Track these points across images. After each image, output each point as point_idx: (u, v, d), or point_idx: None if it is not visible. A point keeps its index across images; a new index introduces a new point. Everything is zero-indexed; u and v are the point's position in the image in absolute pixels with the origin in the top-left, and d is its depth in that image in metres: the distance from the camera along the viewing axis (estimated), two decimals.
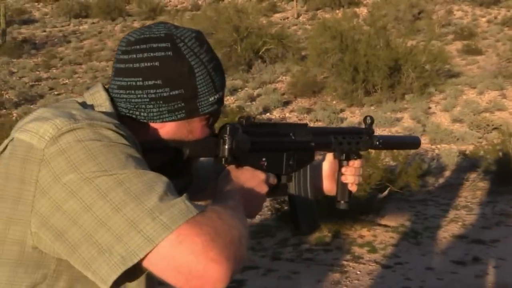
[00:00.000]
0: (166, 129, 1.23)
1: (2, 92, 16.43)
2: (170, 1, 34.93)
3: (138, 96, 1.20)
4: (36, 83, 19.18)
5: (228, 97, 15.63)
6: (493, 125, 11.46)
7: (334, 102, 14.64)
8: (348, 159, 1.52)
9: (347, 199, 1.53)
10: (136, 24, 29.40)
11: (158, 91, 1.19)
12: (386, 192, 6.67)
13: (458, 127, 11.97)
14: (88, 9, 31.20)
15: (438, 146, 10.76)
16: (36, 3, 35.81)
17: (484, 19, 25.40)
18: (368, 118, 1.62)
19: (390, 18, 22.23)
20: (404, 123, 12.39)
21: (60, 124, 1.03)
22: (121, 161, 1.01)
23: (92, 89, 1.26)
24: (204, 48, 1.24)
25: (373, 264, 5.35)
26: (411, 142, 1.86)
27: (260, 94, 15.73)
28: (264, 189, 1.32)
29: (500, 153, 8.02)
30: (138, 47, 1.20)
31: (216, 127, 1.32)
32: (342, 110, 13.99)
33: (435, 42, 17.86)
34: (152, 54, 1.19)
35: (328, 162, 1.59)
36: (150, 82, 1.19)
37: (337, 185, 1.54)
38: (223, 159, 1.26)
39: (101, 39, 25.76)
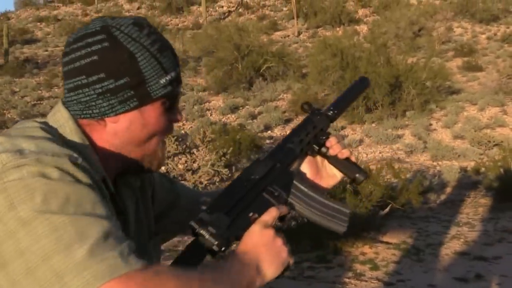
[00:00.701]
0: (121, 125, 1.21)
1: (4, 111, 16.50)
2: (171, 20, 35.16)
3: (86, 94, 1.19)
4: (38, 102, 19.26)
5: (229, 115, 15.67)
6: (494, 142, 11.46)
7: None
8: (321, 145, 1.45)
9: (358, 170, 1.45)
10: None
11: (103, 84, 1.17)
12: (387, 209, 6.66)
13: (459, 144, 11.96)
14: None
15: (440, 162, 10.75)
16: (39, 23, 36.09)
17: (484, 36, 25.55)
18: (304, 105, 1.53)
19: (390, 36, 22.36)
20: (405, 140, 12.39)
21: (5, 159, 1.02)
22: (60, 204, 0.99)
23: (54, 109, 1.24)
24: (144, 32, 1.21)
25: (375, 281, 5.32)
26: (359, 85, 1.69)
27: (261, 112, 15.76)
28: (277, 248, 1.20)
29: (502, 170, 8.02)
30: (75, 46, 1.19)
31: None
32: (343, 128, 14.00)
33: (436, 59, 17.95)
34: (89, 49, 1.18)
35: (305, 164, 1.49)
36: (94, 78, 1.17)
37: (339, 169, 1.46)
38: (215, 248, 1.18)
39: None
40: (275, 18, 32.94)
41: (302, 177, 1.48)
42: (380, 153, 11.79)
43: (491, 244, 6.24)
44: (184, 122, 15.32)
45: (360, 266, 5.66)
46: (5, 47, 25.19)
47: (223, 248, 1.18)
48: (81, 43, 1.18)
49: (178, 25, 34.01)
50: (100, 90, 1.17)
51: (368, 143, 12.60)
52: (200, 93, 18.49)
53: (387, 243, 6.24)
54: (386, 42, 18.64)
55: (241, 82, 18.39)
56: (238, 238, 1.21)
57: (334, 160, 1.45)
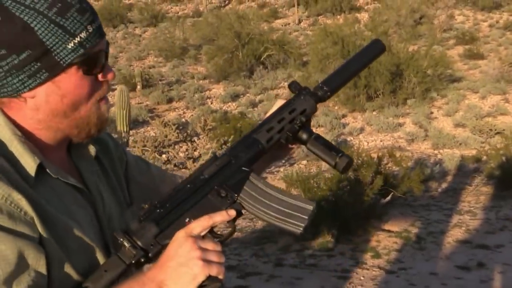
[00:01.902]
0: (39, 99, 1.15)
1: None
2: (171, 8, 35.02)
3: None
4: None
5: (229, 103, 15.64)
6: (495, 130, 11.43)
7: (336, 107, 14.63)
8: (296, 131, 1.33)
9: (338, 153, 1.32)
10: (138, 31, 29.47)
11: (8, 61, 1.11)
12: (389, 197, 6.64)
13: (461, 132, 11.94)
14: None
15: (441, 151, 10.74)
16: None
17: (485, 24, 25.43)
18: (291, 85, 1.38)
19: (391, 23, 22.27)
20: (406, 128, 12.37)
21: None
22: None
23: None
24: None
25: (377, 269, 5.32)
26: (369, 51, 1.46)
27: (262, 100, 15.73)
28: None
29: (503, 158, 8.00)
30: None
31: None
32: (344, 116, 13.98)
33: (437, 47, 17.89)
34: None
35: None
36: None
37: (318, 155, 1.33)
38: (132, 260, 1.13)
39: None
40: (276, 6, 32.80)
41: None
42: (381, 141, 11.77)
43: (493, 232, 6.23)
44: (184, 110, 15.29)
45: (362, 254, 5.66)
46: None
47: (142, 260, 1.13)
48: None
49: (178, 13, 33.88)
50: (6, 68, 1.12)
51: (369, 131, 12.58)
52: (201, 81, 18.45)
53: (388, 231, 6.24)
54: (387, 30, 18.56)
55: (242, 70, 18.34)
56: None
57: (312, 145, 1.33)
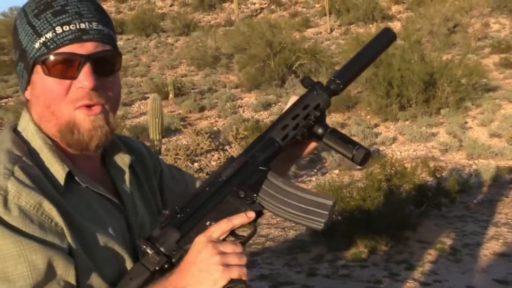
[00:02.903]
0: (30, 101, 1.20)
1: None
2: (203, 17, 35.29)
3: None
4: None
5: (261, 112, 15.66)
6: None
7: (368, 117, 14.53)
8: (311, 126, 1.32)
9: (355, 145, 1.30)
10: (170, 40, 29.76)
11: (16, 62, 1.21)
12: (423, 208, 6.56)
13: (497, 142, 11.72)
14: (123, 25, 31.70)
15: (476, 161, 10.56)
16: None
17: None
18: (304, 80, 1.38)
19: (424, 32, 22.02)
20: (440, 138, 12.21)
21: None
22: None
23: (23, 111, 1.23)
24: (37, 0, 1.16)
25: (411, 281, 5.25)
26: (378, 41, 1.43)
27: None
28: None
29: None
30: None
31: None
32: (376, 125, 13.87)
33: (471, 55, 17.62)
34: None
35: None
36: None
37: (335, 149, 1.32)
38: (156, 266, 1.13)
39: (135, 55, 26.12)
40: (308, 15, 32.78)
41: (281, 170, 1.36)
42: (414, 151, 11.64)
43: None
44: (216, 118, 15.36)
45: (395, 266, 5.60)
46: None
47: (166, 266, 1.13)
48: None
49: (210, 22, 34.11)
50: (16, 70, 1.22)
51: (402, 141, 12.46)
52: (233, 90, 18.51)
53: (422, 242, 6.15)
54: (420, 39, 18.36)
55: (274, 79, 18.34)
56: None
57: (328, 139, 1.32)
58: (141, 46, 28.46)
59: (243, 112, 15.86)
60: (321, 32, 29.34)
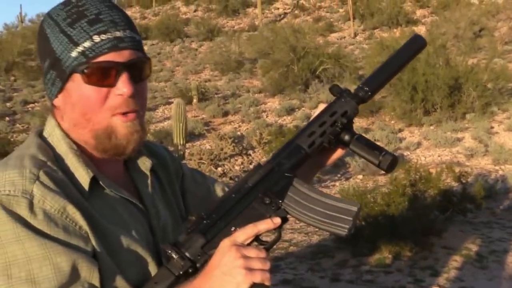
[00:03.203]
0: (62, 108, 1.21)
1: None
2: (227, 22, 35.43)
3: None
4: None
5: (285, 117, 15.65)
6: None
7: (392, 122, 14.44)
8: (337, 133, 1.33)
9: (381, 152, 1.31)
10: (194, 45, 29.94)
11: (43, 71, 1.21)
12: (448, 214, 6.50)
13: None
14: (147, 31, 31.98)
15: (502, 166, 10.42)
16: None
17: None
18: (333, 88, 1.38)
19: (449, 36, 21.83)
20: (465, 143, 12.08)
21: None
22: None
23: (48, 117, 1.26)
24: (66, 8, 1.17)
25: (436, 287, 5.20)
26: (408, 48, 1.42)
27: None
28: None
29: None
30: None
31: None
32: (400, 130, 13.78)
33: (498, 60, 17.43)
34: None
35: None
36: (41, 65, 1.22)
37: (361, 156, 1.33)
38: (180, 271, 1.15)
39: (160, 60, 26.32)
40: (331, 19, 32.72)
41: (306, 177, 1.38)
42: (439, 156, 11.53)
43: None
44: (240, 123, 15.40)
45: (420, 272, 5.55)
46: None
47: (190, 270, 1.15)
48: None
49: (234, 27, 34.24)
50: (44, 77, 1.22)
51: (426, 146, 12.35)
52: (256, 94, 18.55)
53: (447, 248, 6.09)
54: (445, 43, 18.20)
55: (297, 83, 18.33)
56: None
57: (355, 146, 1.33)
58: (165, 51, 28.68)
59: (267, 117, 15.88)
60: (344, 37, 29.25)
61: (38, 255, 1.04)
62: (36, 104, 18.00)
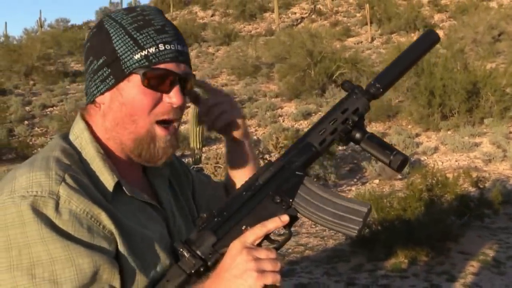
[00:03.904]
0: (106, 105, 1.24)
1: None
2: (244, 27, 35.52)
3: (87, 79, 1.26)
4: None
5: (301, 121, 15.65)
6: None
7: (409, 126, 14.38)
8: (348, 131, 1.32)
9: (392, 151, 1.30)
10: (211, 50, 30.04)
11: (92, 67, 1.24)
12: (465, 219, 6.46)
13: None
14: None
15: None
16: None
17: None
18: (345, 84, 1.38)
19: (467, 41, 21.70)
20: (483, 148, 11.99)
21: (0, 198, 1.11)
22: (20, 260, 1.07)
23: (75, 120, 1.30)
24: (131, 14, 1.23)
25: None
26: (421, 43, 1.41)
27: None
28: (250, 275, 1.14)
29: None
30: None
31: None
32: (417, 135, 13.71)
33: None
34: (87, 38, 1.27)
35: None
36: (88, 62, 1.25)
37: (372, 154, 1.32)
38: (192, 269, 1.17)
39: None
40: (348, 24, 32.65)
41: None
42: (456, 161, 11.45)
43: None
44: (256, 127, 15.43)
45: (436, 277, 5.52)
46: None
47: (201, 269, 1.17)
48: (86, 35, 1.29)
49: (251, 31, 34.30)
50: (91, 73, 1.25)
51: (443, 151, 12.27)
52: (273, 99, 18.56)
53: (464, 253, 6.05)
54: (463, 48, 18.10)
55: (314, 88, 18.32)
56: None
57: (365, 144, 1.32)
58: None
59: (283, 121, 15.89)
60: (362, 41, 29.17)
61: (61, 256, 1.07)
62: (54, 108, 18.19)
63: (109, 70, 1.21)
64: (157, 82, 1.21)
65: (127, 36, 1.21)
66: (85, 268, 1.09)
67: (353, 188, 9.74)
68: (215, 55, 28.59)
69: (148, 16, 1.24)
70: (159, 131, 1.24)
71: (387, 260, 5.87)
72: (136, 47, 1.20)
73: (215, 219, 1.21)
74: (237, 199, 1.24)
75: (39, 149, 13.25)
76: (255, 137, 14.00)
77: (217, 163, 10.27)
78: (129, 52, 1.20)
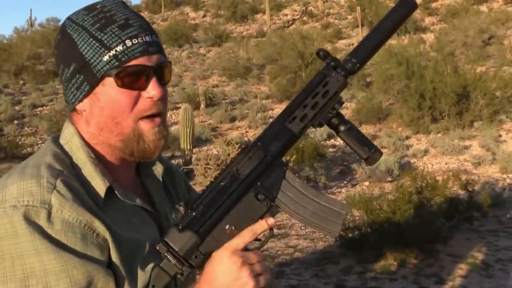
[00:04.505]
0: (88, 112, 1.21)
1: None
2: (235, 28, 35.52)
3: (62, 87, 1.23)
4: None
5: None
6: None
7: (399, 129, 14.42)
8: (330, 118, 1.25)
9: (371, 148, 1.25)
10: (202, 51, 30.02)
11: (64, 75, 1.20)
12: (454, 221, 6.48)
13: None
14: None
15: (509, 175, 10.38)
16: None
17: None
18: (321, 52, 1.26)
19: (458, 44, 21.80)
20: (472, 151, 12.05)
21: None
22: (13, 272, 1.05)
23: (65, 124, 1.26)
24: (91, 14, 1.18)
25: None
26: (397, 11, 1.29)
27: None
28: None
29: None
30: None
31: None
32: (408, 137, 13.75)
33: (507, 68, 17.37)
34: (54, 46, 1.23)
35: None
36: (60, 71, 1.22)
37: (350, 145, 1.26)
38: (178, 275, 1.14)
39: None
40: (340, 26, 32.74)
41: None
42: (446, 164, 11.50)
43: None
44: (247, 129, 15.42)
45: (425, 279, 5.53)
46: None
47: (189, 273, 1.14)
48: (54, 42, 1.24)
49: (242, 33, 34.32)
50: (64, 82, 1.21)
51: (433, 153, 12.32)
52: (264, 100, 18.57)
53: (453, 256, 6.07)
54: (453, 51, 18.18)
55: None
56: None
57: (345, 135, 1.26)
58: (174, 57, 28.77)
59: None
60: (353, 44, 29.23)
61: (55, 268, 1.06)
62: (44, 107, 18.10)
63: (82, 77, 1.18)
64: (131, 80, 1.17)
65: (92, 39, 1.16)
66: (79, 279, 1.07)
67: (343, 190, 9.76)
68: (206, 56, 28.58)
69: (109, 12, 1.19)
70: (145, 125, 1.21)
71: (376, 262, 5.87)
72: (103, 49, 1.16)
73: (194, 214, 1.16)
74: (215, 191, 1.18)
75: (28, 148, 13.18)
76: (245, 139, 13.99)
77: (207, 164, 10.26)
78: (97, 55, 1.16)
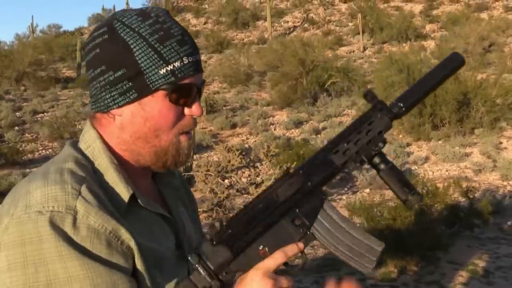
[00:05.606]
0: (125, 117, 1.19)
1: (76, 122, 17.09)
2: (237, 35, 35.60)
3: (95, 87, 1.20)
4: None
5: (293, 130, 15.66)
6: None
7: (400, 136, 14.42)
8: (372, 156, 1.26)
9: (412, 191, 1.24)
10: (203, 57, 30.08)
11: (105, 77, 1.17)
12: (455, 229, 6.47)
13: None
14: None
15: (510, 182, 10.37)
16: None
17: None
18: (368, 94, 1.29)
19: (458, 51, 21.81)
20: (473, 158, 12.04)
21: (15, 213, 1.08)
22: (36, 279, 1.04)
23: (85, 127, 1.25)
24: (147, 22, 1.17)
25: None
26: (446, 65, 1.34)
27: (325, 127, 15.69)
28: None
29: None
30: (87, 41, 1.21)
31: None
32: (408, 144, 13.75)
33: (507, 75, 17.38)
34: (93, 43, 1.19)
35: None
36: (98, 70, 1.18)
37: (390, 186, 1.26)
38: (204, 286, 1.13)
39: None
40: (341, 33, 32.82)
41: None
42: (446, 171, 11.49)
43: None
44: (248, 136, 15.42)
45: (426, 287, 5.52)
46: (78, 61, 26.19)
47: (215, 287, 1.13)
48: (90, 38, 1.20)
49: (243, 39, 34.39)
50: (103, 83, 1.18)
51: (434, 160, 12.32)
52: (264, 107, 18.58)
53: (454, 263, 6.06)
54: None
55: (306, 97, 18.37)
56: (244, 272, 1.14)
57: (385, 175, 1.26)
58: None
59: (275, 129, 15.89)
60: (354, 51, 29.31)
61: (80, 275, 1.05)
62: (45, 114, 18.12)
63: (130, 84, 1.16)
64: (182, 97, 1.19)
65: (150, 49, 1.15)
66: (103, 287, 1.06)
67: (344, 197, 9.75)
68: (208, 63, 28.62)
69: (165, 23, 1.18)
70: (183, 139, 1.23)
71: (376, 269, 5.86)
72: (161, 62, 1.15)
73: (229, 231, 1.16)
74: (252, 211, 1.18)
75: (29, 155, 13.18)
76: (246, 145, 14.00)
77: (208, 171, 10.25)
78: (154, 67, 1.15)
